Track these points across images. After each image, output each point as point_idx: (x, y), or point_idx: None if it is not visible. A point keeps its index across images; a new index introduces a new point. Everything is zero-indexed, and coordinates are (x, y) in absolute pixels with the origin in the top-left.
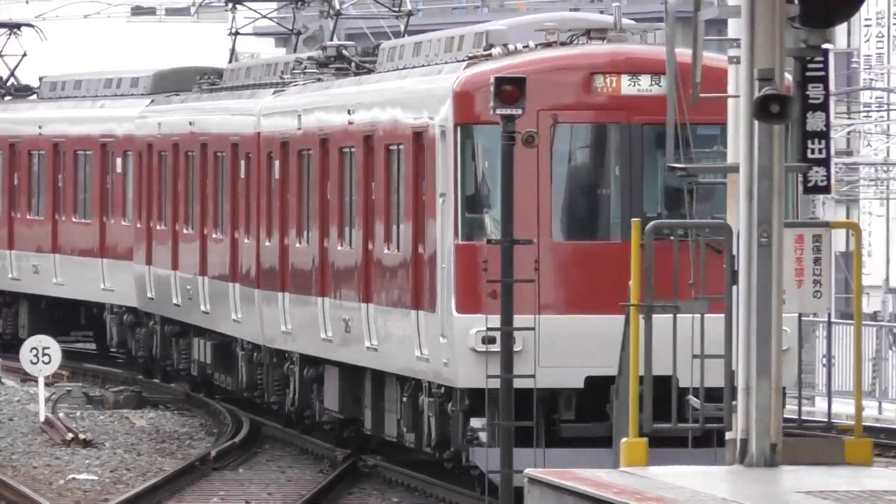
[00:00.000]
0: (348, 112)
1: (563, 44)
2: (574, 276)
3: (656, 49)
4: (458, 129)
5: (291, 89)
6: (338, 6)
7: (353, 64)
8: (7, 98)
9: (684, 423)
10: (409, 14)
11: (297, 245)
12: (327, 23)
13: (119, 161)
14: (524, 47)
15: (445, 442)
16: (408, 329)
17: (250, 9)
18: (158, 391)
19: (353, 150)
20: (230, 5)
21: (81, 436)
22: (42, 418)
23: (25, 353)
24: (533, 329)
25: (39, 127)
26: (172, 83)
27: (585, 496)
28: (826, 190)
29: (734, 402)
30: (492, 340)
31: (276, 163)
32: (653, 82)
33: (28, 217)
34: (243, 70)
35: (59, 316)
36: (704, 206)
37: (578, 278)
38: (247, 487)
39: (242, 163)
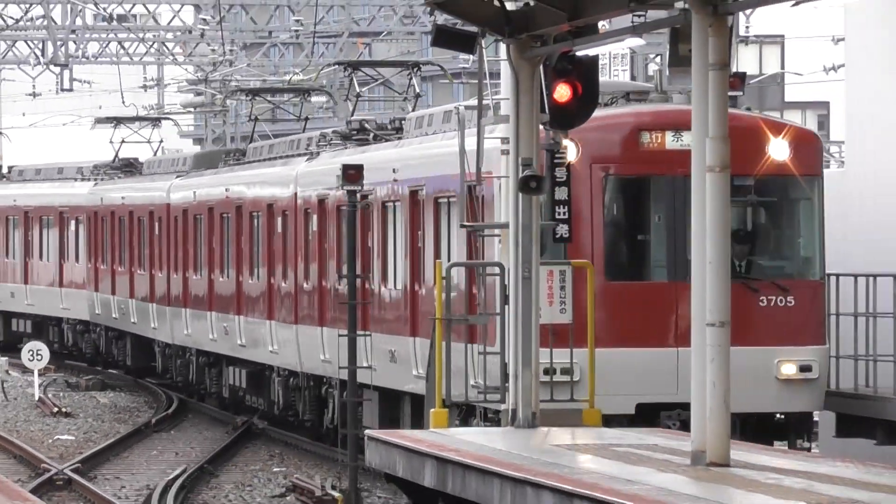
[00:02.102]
0: (393, 171)
1: (605, 105)
2: (624, 313)
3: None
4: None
5: (324, 156)
6: (357, 90)
7: (371, 135)
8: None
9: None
10: (418, 96)
11: (338, 286)
12: (229, 127)
13: (156, 224)
14: None
15: None
16: (459, 360)
17: (268, 101)
18: (116, 378)
19: (397, 203)
20: (250, 96)
21: (64, 409)
22: (37, 397)
23: (25, 353)
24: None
25: (123, 198)
26: (206, 161)
27: (405, 448)
28: (569, 240)
29: (507, 384)
30: (547, 371)
31: (314, 217)
32: None
33: (114, 268)
34: (266, 147)
35: (145, 347)
36: (738, 247)
37: (629, 315)
38: (176, 443)
39: (279, 220)
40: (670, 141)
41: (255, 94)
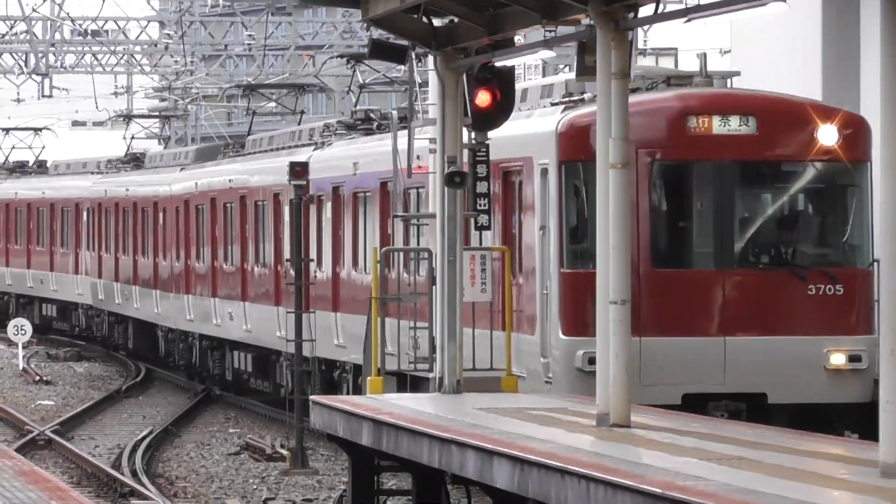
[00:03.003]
0: (417, 157)
1: (648, 89)
2: (671, 301)
3: (743, 92)
4: (563, 166)
5: (336, 145)
6: (361, 80)
7: (375, 124)
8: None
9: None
10: (419, 86)
11: (354, 273)
12: (190, 129)
13: (161, 214)
14: None
15: None
16: (499, 349)
17: (263, 95)
18: (91, 350)
19: (420, 189)
20: (248, 91)
21: (45, 378)
22: (21, 367)
23: (10, 329)
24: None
25: (127, 189)
26: (208, 155)
27: (345, 411)
28: (487, 228)
29: (435, 355)
30: (593, 361)
31: (328, 205)
32: (741, 122)
33: (117, 256)
34: (266, 139)
35: (147, 331)
36: (786, 235)
37: (675, 303)
38: (144, 408)
39: (286, 208)
40: (717, 125)
41: (252, 90)
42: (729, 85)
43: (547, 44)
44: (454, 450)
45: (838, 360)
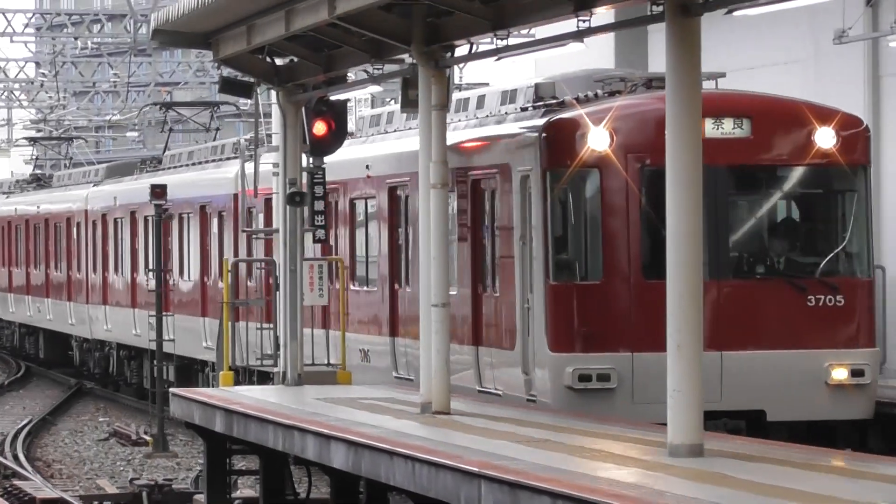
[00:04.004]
0: (366, 167)
1: (629, 92)
2: (663, 314)
3: (736, 93)
4: (548, 173)
5: (267, 157)
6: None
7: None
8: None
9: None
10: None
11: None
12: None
13: (74, 229)
14: (594, 96)
15: None
16: (467, 365)
17: (178, 112)
18: None
19: (368, 199)
20: (164, 109)
21: None
22: None
23: None
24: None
25: (37, 207)
26: (119, 171)
27: (200, 402)
28: (326, 242)
29: (278, 352)
30: (587, 378)
31: (261, 217)
32: (735, 125)
33: (28, 270)
34: (185, 154)
35: (58, 341)
36: (783, 243)
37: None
38: (24, 400)
39: (214, 220)
40: (710, 128)
41: (168, 108)
42: (716, 86)
43: (375, 80)
44: (296, 435)
45: (840, 374)
